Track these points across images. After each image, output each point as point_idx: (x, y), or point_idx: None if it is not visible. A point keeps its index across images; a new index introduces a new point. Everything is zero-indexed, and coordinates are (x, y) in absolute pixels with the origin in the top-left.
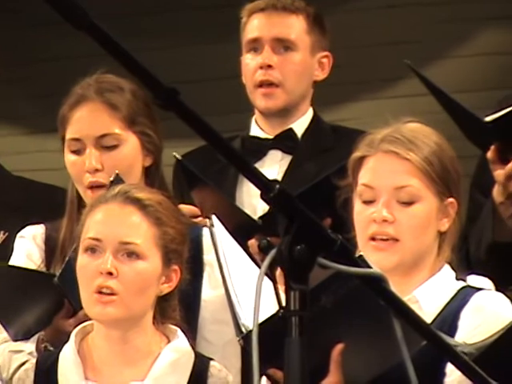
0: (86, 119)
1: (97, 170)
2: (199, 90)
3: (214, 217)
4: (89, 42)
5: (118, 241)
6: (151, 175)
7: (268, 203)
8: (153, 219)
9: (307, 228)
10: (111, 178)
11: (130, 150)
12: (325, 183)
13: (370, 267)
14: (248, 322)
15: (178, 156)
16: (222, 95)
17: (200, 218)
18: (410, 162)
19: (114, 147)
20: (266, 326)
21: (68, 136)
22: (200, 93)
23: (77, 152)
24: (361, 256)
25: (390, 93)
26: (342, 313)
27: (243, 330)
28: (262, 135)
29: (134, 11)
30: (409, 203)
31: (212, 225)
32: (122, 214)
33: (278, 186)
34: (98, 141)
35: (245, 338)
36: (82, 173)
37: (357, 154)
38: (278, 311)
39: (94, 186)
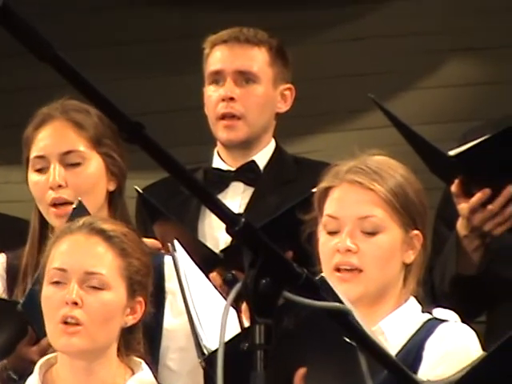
0: (51, 136)
1: (60, 187)
2: (163, 121)
3: (175, 242)
4: (52, 72)
5: (84, 271)
6: (114, 201)
7: (233, 237)
8: (118, 250)
9: (272, 262)
10: (74, 205)
11: (95, 170)
12: (288, 216)
13: (332, 290)
14: (209, 344)
15: (138, 189)
16: (185, 126)
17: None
18: (374, 192)
19: (78, 164)
20: (228, 348)
21: (32, 155)
22: (164, 124)
23: (41, 170)
24: (322, 277)
25: (355, 125)
26: (305, 335)
27: (205, 351)
28: (224, 167)
29: (100, 42)
30: (372, 233)
31: (174, 249)
32: (88, 245)
33: (243, 220)
34: (62, 157)
35: (207, 359)
36: (46, 190)
37: (322, 185)
38: (239, 333)
39: (57, 204)
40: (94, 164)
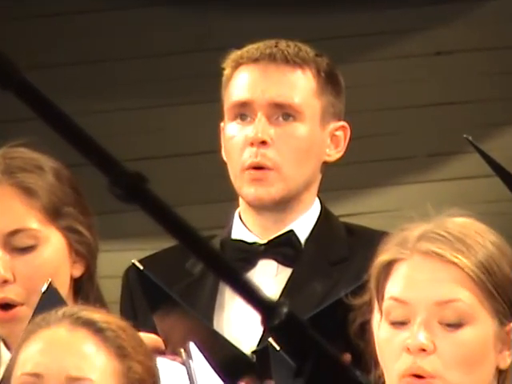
0: None
1: (6, 282)
2: (156, 169)
3: (191, 345)
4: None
5: (65, 375)
6: (83, 289)
7: (271, 332)
8: (113, 349)
9: (326, 368)
10: (43, 289)
11: (53, 253)
12: (336, 306)
13: None
14: None
15: (137, 264)
16: (190, 177)
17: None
18: (458, 267)
19: (29, 249)
20: None
21: None
22: (157, 172)
23: None
24: None
25: (438, 174)
26: None
27: None
28: (250, 238)
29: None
30: (456, 326)
31: (189, 357)
32: (71, 341)
33: (285, 310)
34: (7, 240)
35: None
36: None
37: (383, 258)
38: None
39: (2, 305)
40: (53, 245)
